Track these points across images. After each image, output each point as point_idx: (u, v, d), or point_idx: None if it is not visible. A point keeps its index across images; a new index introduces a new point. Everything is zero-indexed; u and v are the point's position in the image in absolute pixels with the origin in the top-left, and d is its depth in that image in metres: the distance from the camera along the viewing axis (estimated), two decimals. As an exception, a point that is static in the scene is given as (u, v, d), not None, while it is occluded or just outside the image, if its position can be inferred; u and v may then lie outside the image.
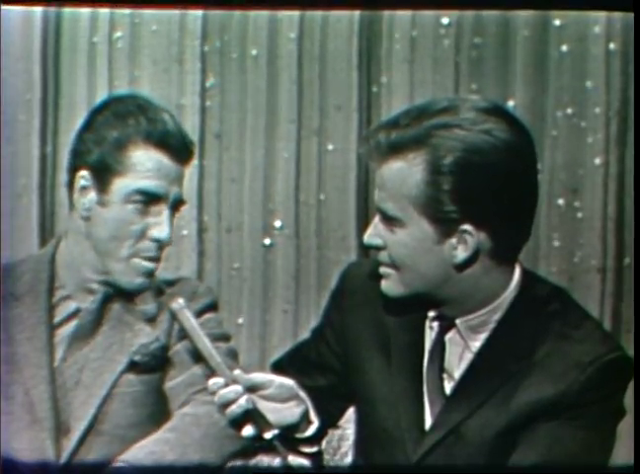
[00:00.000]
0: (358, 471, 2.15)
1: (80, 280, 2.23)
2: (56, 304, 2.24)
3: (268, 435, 1.96)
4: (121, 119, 2.18)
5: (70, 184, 2.22)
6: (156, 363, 2.22)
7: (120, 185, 2.17)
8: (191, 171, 2.96)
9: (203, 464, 2.08)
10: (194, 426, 2.11)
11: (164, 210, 2.19)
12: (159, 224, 2.19)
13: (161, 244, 2.20)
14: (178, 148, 2.19)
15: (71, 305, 2.24)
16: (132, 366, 2.21)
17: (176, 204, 2.22)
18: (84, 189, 2.19)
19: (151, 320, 2.24)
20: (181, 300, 2.04)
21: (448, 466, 1.99)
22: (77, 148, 2.21)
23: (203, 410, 2.12)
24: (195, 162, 2.98)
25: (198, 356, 2.03)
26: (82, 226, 2.21)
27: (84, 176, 2.19)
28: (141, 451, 2.07)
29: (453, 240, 1.93)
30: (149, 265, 2.21)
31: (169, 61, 3.08)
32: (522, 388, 1.96)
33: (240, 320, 3.10)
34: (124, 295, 2.24)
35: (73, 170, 2.21)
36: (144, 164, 2.17)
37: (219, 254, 3.11)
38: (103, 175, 2.18)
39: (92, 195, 2.19)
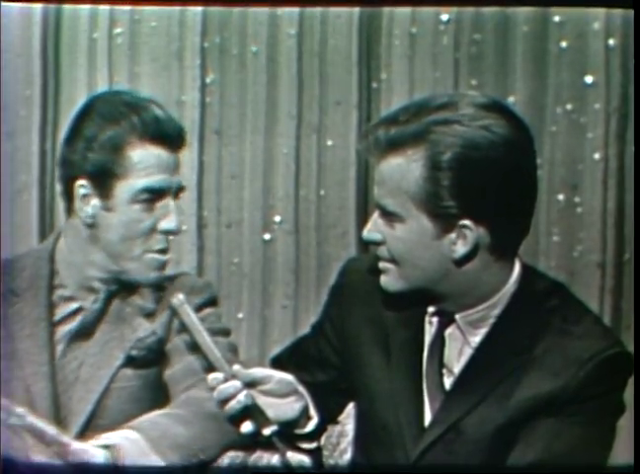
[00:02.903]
0: (357, 468, 2.15)
1: (82, 279, 2.23)
2: (57, 303, 2.24)
3: (267, 431, 1.96)
4: (113, 121, 2.17)
5: (67, 193, 2.22)
6: (153, 357, 2.22)
7: (124, 187, 2.17)
8: (190, 166, 2.99)
9: (205, 447, 2.07)
10: (198, 407, 2.10)
11: (170, 202, 2.20)
12: (167, 216, 2.20)
13: (171, 234, 2.21)
14: (172, 138, 2.19)
15: (72, 305, 2.24)
16: (130, 361, 2.21)
17: (177, 192, 2.23)
18: (85, 197, 2.19)
19: (150, 315, 2.24)
20: (181, 296, 2.04)
21: (448, 464, 1.99)
22: (69, 158, 2.21)
23: (208, 395, 2.09)
24: (194, 156, 3.00)
25: (197, 352, 2.03)
26: (83, 231, 2.21)
27: (83, 185, 2.18)
28: (146, 421, 2.06)
29: (453, 235, 1.93)
30: (162, 257, 2.22)
31: (169, 58, 3.08)
32: (522, 384, 1.96)
33: (240, 315, 3.10)
34: (126, 291, 2.24)
35: (69, 180, 2.21)
36: (144, 162, 2.17)
37: (219, 249, 3.11)
38: (103, 180, 2.17)
39: (94, 201, 2.18)
